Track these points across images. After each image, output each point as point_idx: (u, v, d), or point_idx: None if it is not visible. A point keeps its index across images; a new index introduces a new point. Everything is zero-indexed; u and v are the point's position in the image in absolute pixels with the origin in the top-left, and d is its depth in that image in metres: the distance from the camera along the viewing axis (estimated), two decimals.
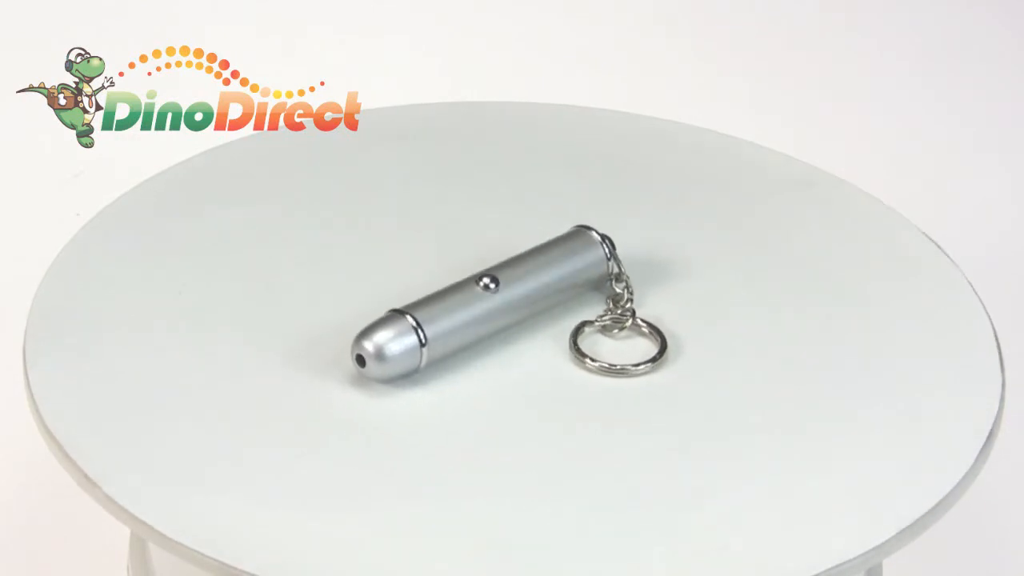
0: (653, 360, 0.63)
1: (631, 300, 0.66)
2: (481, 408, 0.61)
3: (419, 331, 0.61)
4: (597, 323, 0.65)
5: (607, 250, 0.66)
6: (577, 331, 0.64)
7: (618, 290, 0.66)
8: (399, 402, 0.61)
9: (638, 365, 0.63)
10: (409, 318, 0.61)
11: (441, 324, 0.62)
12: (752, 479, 0.58)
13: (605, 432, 0.60)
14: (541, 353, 0.64)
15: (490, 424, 0.60)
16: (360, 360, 0.61)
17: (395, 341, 0.61)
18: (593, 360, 0.63)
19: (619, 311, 0.65)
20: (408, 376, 0.62)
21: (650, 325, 0.65)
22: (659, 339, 0.64)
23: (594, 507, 0.57)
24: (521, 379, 0.62)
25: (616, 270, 0.66)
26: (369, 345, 0.61)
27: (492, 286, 0.64)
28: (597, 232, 0.66)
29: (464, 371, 0.63)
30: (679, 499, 0.57)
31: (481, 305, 0.63)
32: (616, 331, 0.65)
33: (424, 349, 0.61)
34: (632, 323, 0.65)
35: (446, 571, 0.54)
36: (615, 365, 0.63)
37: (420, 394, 0.61)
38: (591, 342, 0.64)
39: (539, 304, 0.65)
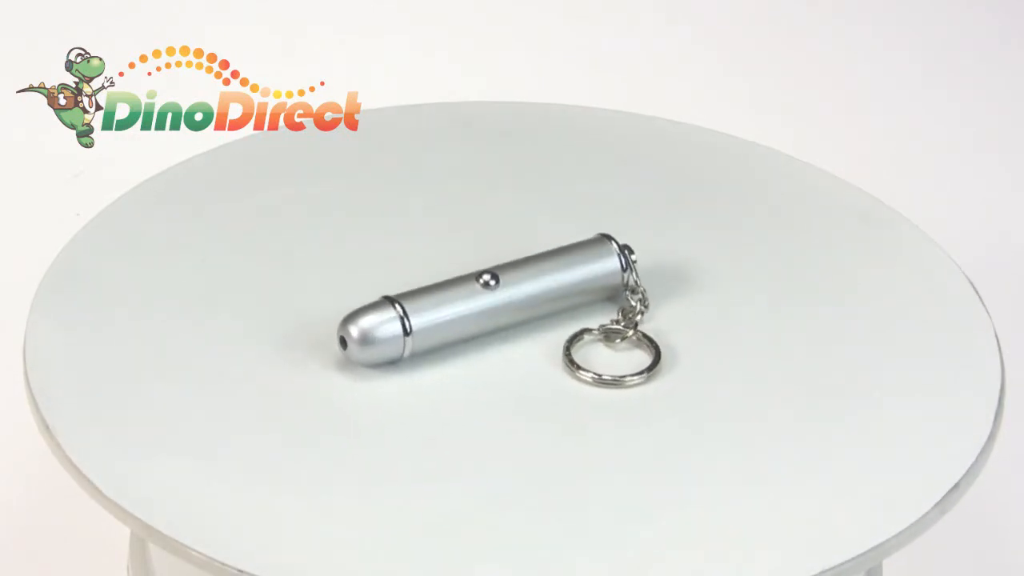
0: (645, 372, 0.62)
1: (641, 313, 0.65)
2: (459, 404, 0.61)
3: (405, 320, 0.61)
4: (598, 332, 0.64)
5: (623, 261, 0.65)
6: (573, 339, 0.64)
7: (633, 302, 0.65)
8: (382, 388, 0.61)
9: (623, 376, 0.62)
10: (396, 306, 0.62)
11: (430, 315, 0.62)
12: (752, 479, 0.58)
13: (587, 436, 0.60)
14: (537, 357, 0.63)
15: (463, 420, 0.60)
16: (343, 343, 0.61)
17: (378, 327, 0.61)
18: (583, 369, 0.62)
19: (623, 322, 0.65)
20: (393, 364, 0.62)
21: (647, 337, 0.64)
22: (654, 351, 0.63)
23: (586, 508, 0.57)
24: (508, 381, 0.62)
25: (633, 283, 0.65)
26: (352, 328, 0.61)
27: (492, 283, 0.63)
28: (617, 243, 0.66)
29: (452, 366, 0.63)
30: (677, 500, 0.57)
31: (477, 302, 0.63)
32: (618, 341, 0.64)
33: (408, 338, 0.61)
34: (634, 334, 0.64)
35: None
36: (602, 375, 0.62)
37: (401, 382, 0.61)
38: (591, 351, 0.64)
39: (542, 308, 0.64)
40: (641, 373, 0.62)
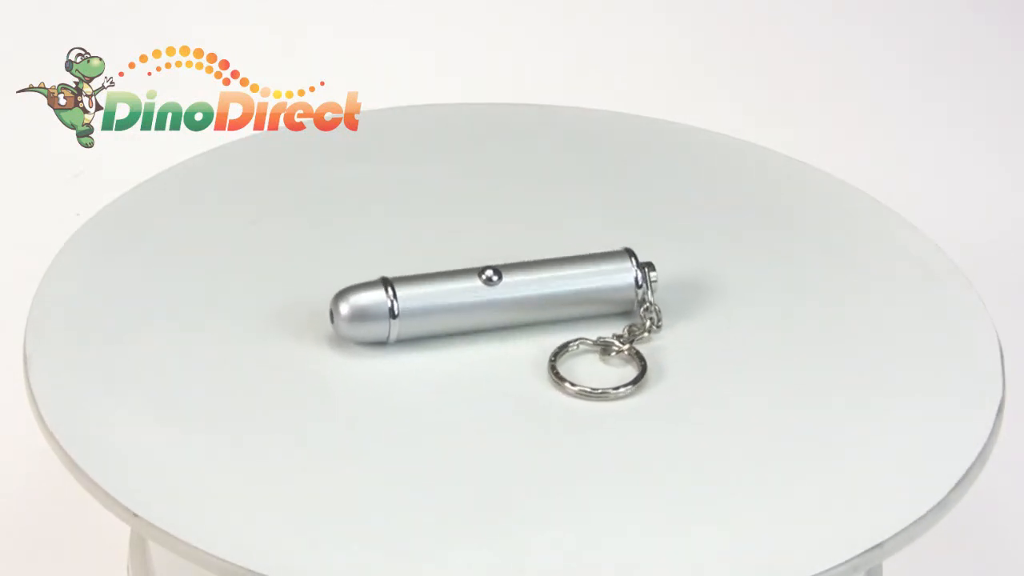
0: (627, 385, 0.61)
1: (649, 331, 0.64)
2: (431, 395, 0.61)
3: (393, 302, 0.62)
4: (593, 344, 0.63)
5: (639, 278, 0.64)
6: (563, 347, 0.63)
7: (644, 320, 0.64)
8: (362, 366, 0.62)
9: (604, 389, 0.61)
10: (388, 288, 0.62)
11: (420, 302, 0.62)
12: (752, 479, 0.58)
13: (544, 441, 0.59)
14: (527, 361, 0.63)
15: (426, 410, 0.60)
16: (332, 317, 0.62)
17: (365, 306, 0.62)
18: (563, 378, 0.61)
19: (624, 336, 0.63)
20: (380, 345, 0.62)
21: (637, 352, 0.63)
22: (641, 365, 0.62)
23: (579, 508, 0.57)
24: (488, 380, 0.62)
25: (648, 300, 0.64)
26: (341, 304, 0.62)
27: (494, 279, 0.63)
28: (637, 259, 0.64)
29: (440, 356, 0.63)
30: (677, 500, 0.57)
31: (475, 296, 0.63)
32: (612, 354, 0.63)
33: (395, 321, 0.62)
34: (628, 349, 0.63)
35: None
36: (580, 385, 0.61)
37: (383, 364, 0.62)
38: (585, 362, 0.63)
39: (545, 311, 0.64)
40: (622, 387, 0.61)
